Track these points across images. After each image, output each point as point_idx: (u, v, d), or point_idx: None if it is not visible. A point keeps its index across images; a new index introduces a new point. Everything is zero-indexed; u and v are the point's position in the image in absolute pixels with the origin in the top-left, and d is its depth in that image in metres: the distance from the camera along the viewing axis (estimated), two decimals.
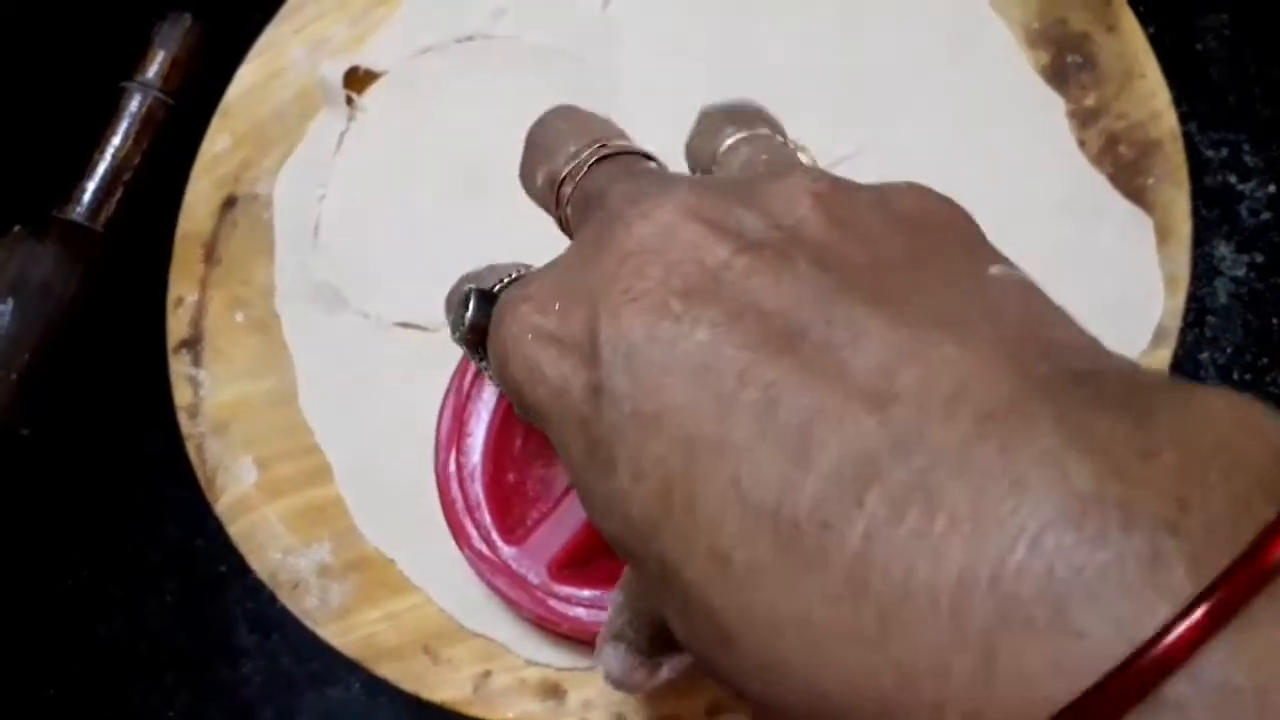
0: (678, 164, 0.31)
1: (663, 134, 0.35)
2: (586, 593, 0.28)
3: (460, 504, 0.30)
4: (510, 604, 0.29)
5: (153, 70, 0.41)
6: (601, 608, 0.27)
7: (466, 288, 0.23)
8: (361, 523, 0.32)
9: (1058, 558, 0.14)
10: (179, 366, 0.36)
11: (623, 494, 0.17)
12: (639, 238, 0.18)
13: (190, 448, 0.35)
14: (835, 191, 0.19)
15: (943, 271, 0.18)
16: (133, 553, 0.37)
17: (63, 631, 0.36)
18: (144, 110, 0.41)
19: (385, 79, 0.38)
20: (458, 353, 0.33)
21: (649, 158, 0.23)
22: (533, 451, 0.30)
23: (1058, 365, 0.16)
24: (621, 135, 0.24)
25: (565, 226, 0.24)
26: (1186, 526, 0.14)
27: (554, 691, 0.30)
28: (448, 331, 0.32)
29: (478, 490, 0.29)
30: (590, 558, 0.29)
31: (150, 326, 0.37)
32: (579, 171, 0.23)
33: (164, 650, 0.36)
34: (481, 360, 0.23)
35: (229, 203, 0.38)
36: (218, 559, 0.36)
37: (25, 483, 0.37)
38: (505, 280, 0.23)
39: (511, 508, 0.30)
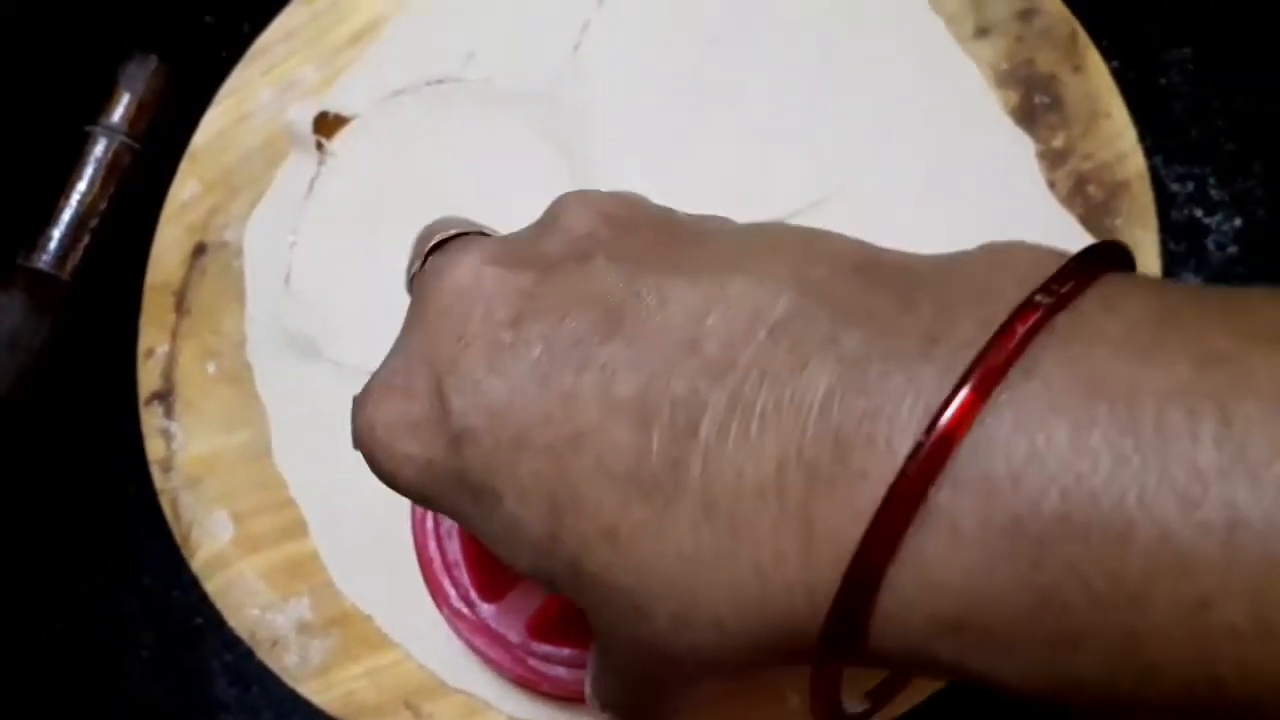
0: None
1: (632, 173, 0.36)
2: (566, 651, 0.28)
3: (438, 562, 0.29)
4: (490, 663, 0.29)
5: (118, 114, 0.41)
6: (581, 665, 0.27)
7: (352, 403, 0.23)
8: (339, 578, 0.32)
9: (840, 417, 0.16)
10: (151, 419, 0.36)
11: (516, 520, 0.19)
12: (447, 294, 0.20)
13: (165, 503, 0.34)
14: (613, 201, 0.21)
15: (719, 234, 0.20)
16: (109, 605, 0.36)
17: (39, 684, 0.36)
18: (110, 155, 0.40)
19: (355, 123, 0.38)
20: None
21: (482, 234, 0.24)
22: None
23: (836, 266, 0.18)
24: (473, 226, 0.25)
25: None
26: (936, 354, 0.16)
27: None
28: None
29: (455, 548, 0.29)
30: (569, 615, 0.29)
31: (120, 376, 0.37)
32: (416, 264, 0.24)
33: (141, 704, 0.36)
34: None
35: (198, 250, 0.38)
36: (195, 611, 0.35)
37: None
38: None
39: (489, 565, 0.29)
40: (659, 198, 0.35)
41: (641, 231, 0.20)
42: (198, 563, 0.34)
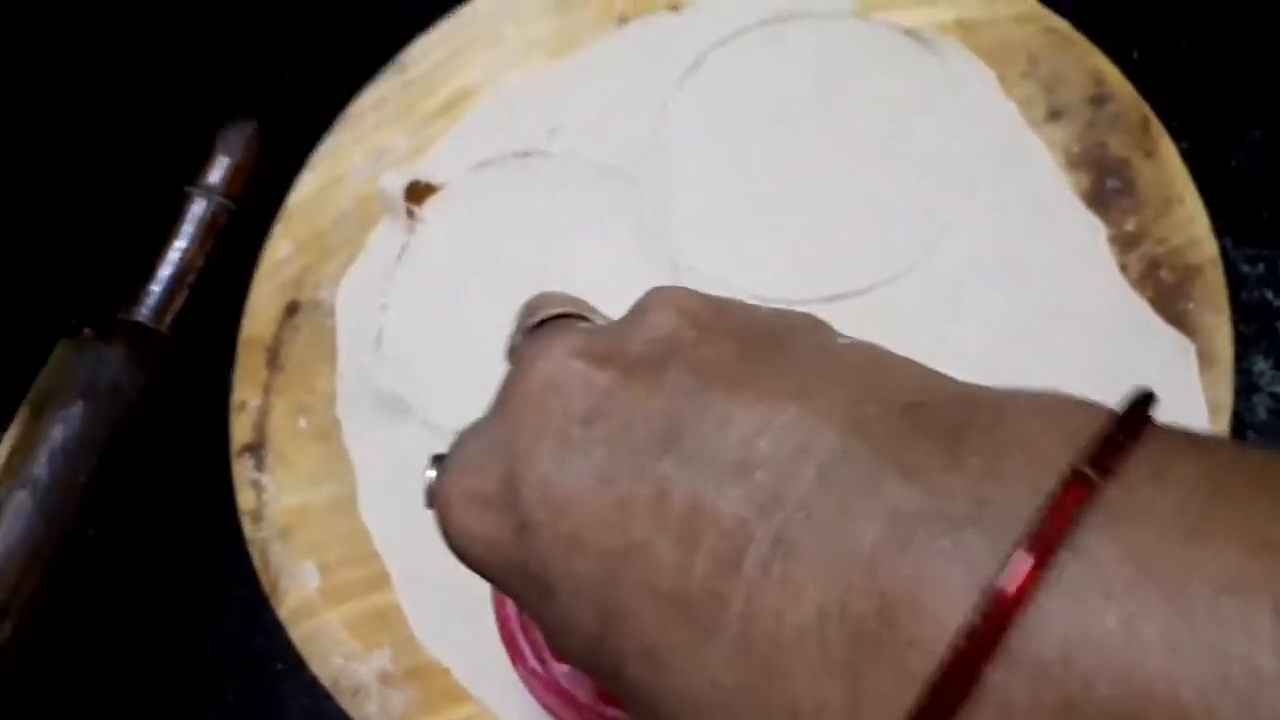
0: (723, 283, 0.32)
1: (710, 250, 0.37)
2: None
3: (515, 621, 0.30)
4: None
5: (216, 175, 0.43)
6: None
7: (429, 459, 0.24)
8: (420, 631, 0.33)
9: (886, 575, 0.16)
10: (242, 470, 0.37)
11: (567, 615, 0.19)
12: (534, 381, 0.21)
13: (254, 552, 0.36)
14: (701, 303, 0.21)
15: (795, 351, 0.20)
16: (193, 649, 0.38)
17: None
18: (207, 215, 0.42)
19: (444, 191, 0.39)
20: None
21: (582, 318, 0.25)
22: None
23: (887, 405, 0.18)
24: (575, 305, 0.25)
25: None
26: (985, 521, 0.15)
27: None
28: None
29: None
30: None
31: (212, 427, 0.39)
32: (515, 342, 0.25)
33: None
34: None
35: (291, 309, 0.39)
36: (276, 656, 0.36)
37: (91, 583, 0.38)
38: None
39: None
40: (737, 274, 0.36)
41: (721, 340, 0.20)
42: (285, 610, 0.35)
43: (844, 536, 0.16)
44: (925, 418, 0.17)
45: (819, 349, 0.20)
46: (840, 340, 0.21)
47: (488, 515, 0.21)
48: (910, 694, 0.15)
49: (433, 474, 0.24)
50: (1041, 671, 0.15)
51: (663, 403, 0.19)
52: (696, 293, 0.22)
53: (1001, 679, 0.15)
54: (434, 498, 0.22)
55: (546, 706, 0.30)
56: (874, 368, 0.19)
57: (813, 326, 0.21)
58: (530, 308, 0.26)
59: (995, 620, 0.15)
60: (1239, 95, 0.38)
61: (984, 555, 0.15)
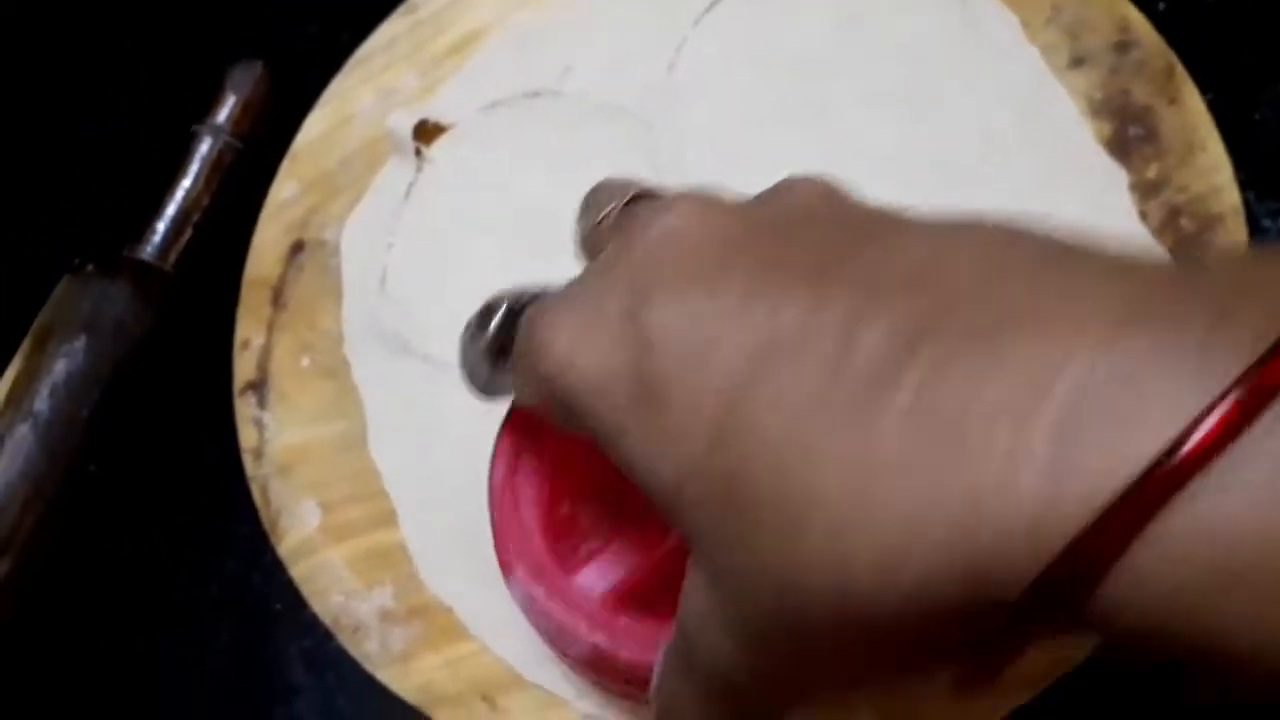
0: None
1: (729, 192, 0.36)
2: (641, 628, 0.27)
3: (515, 532, 0.29)
4: (563, 635, 0.28)
5: (224, 115, 0.42)
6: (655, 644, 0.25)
7: (492, 301, 0.26)
8: (423, 569, 0.33)
9: (1117, 356, 0.15)
10: (245, 409, 0.37)
11: (681, 431, 0.19)
12: (664, 230, 0.21)
13: (255, 489, 0.35)
14: (842, 188, 0.22)
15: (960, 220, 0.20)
16: (192, 587, 0.37)
17: (119, 661, 0.37)
18: (214, 154, 0.42)
19: (453, 132, 0.39)
20: None
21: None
22: (592, 485, 0.30)
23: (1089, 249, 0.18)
24: (651, 185, 0.26)
25: None
26: (1228, 328, 0.15)
27: None
28: None
29: (531, 519, 0.29)
30: (645, 598, 0.28)
31: (216, 366, 0.38)
32: (614, 212, 0.25)
33: (219, 684, 0.37)
34: (493, 381, 0.25)
35: (296, 248, 0.39)
36: (275, 597, 0.36)
37: (93, 517, 0.38)
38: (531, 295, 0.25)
39: (564, 539, 0.29)
40: None
41: (864, 207, 0.21)
42: (284, 548, 0.35)
43: (1055, 332, 0.16)
44: (1142, 263, 0.17)
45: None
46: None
47: (599, 338, 0.20)
48: (1117, 480, 0.14)
49: (495, 323, 0.25)
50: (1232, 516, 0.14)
51: (811, 245, 0.20)
52: (833, 181, 0.22)
53: (1229, 472, 0.14)
54: (535, 326, 0.22)
55: (547, 616, 0.28)
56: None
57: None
58: (603, 189, 0.26)
59: (1227, 420, 0.14)
60: (1264, 49, 0.37)
61: (1227, 356, 0.14)
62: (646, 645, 0.26)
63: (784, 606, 0.18)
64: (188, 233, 0.41)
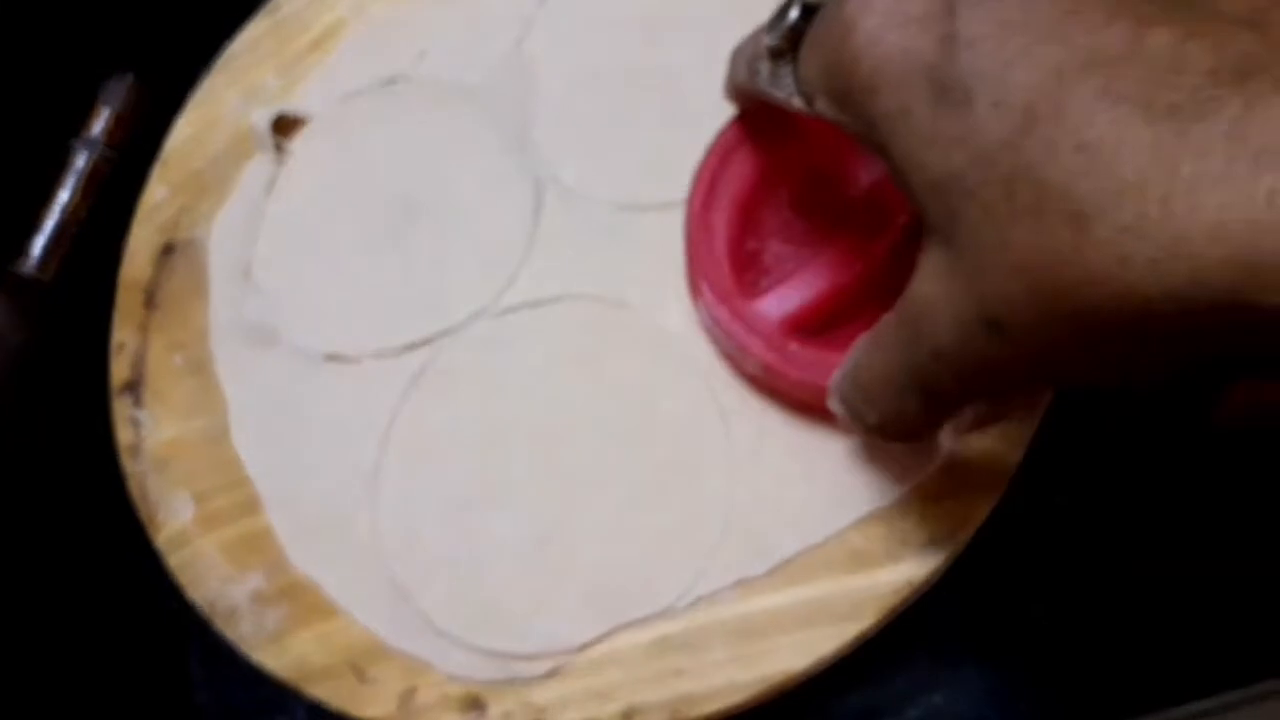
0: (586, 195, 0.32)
1: (573, 163, 0.37)
2: (815, 351, 0.30)
3: (706, 258, 0.31)
4: (742, 351, 0.31)
5: (98, 128, 0.43)
6: (828, 367, 0.28)
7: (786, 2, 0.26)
8: (290, 550, 0.34)
9: None
10: (121, 409, 0.37)
11: (979, 124, 0.20)
12: None
13: (132, 486, 0.36)
14: None
15: None
16: (82, 590, 0.38)
17: (16, 661, 0.37)
18: (90, 167, 0.43)
19: (311, 124, 0.39)
20: (386, 383, 0.35)
21: None
22: (777, 226, 0.32)
23: None
24: None
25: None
26: None
27: (475, 704, 0.31)
28: (372, 361, 0.34)
29: (721, 248, 0.31)
30: (822, 325, 0.31)
31: (97, 371, 0.39)
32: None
33: (118, 680, 0.37)
34: (778, 78, 0.26)
35: (168, 249, 0.39)
36: (168, 593, 0.37)
37: None
38: None
39: (747, 271, 0.32)
40: (599, 178, 0.36)
41: None
42: (161, 540, 0.35)
43: None
44: None
45: None
46: None
47: (910, 26, 0.21)
48: None
49: (794, 14, 0.25)
50: None
51: None
52: None
53: None
54: (841, 12, 0.23)
55: (729, 334, 0.31)
56: None
57: None
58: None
59: None
60: None
61: None
62: (811, 367, 0.30)
63: (1040, 294, 0.19)
64: (65, 245, 0.42)
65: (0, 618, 0.38)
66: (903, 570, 0.30)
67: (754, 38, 0.29)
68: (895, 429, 0.26)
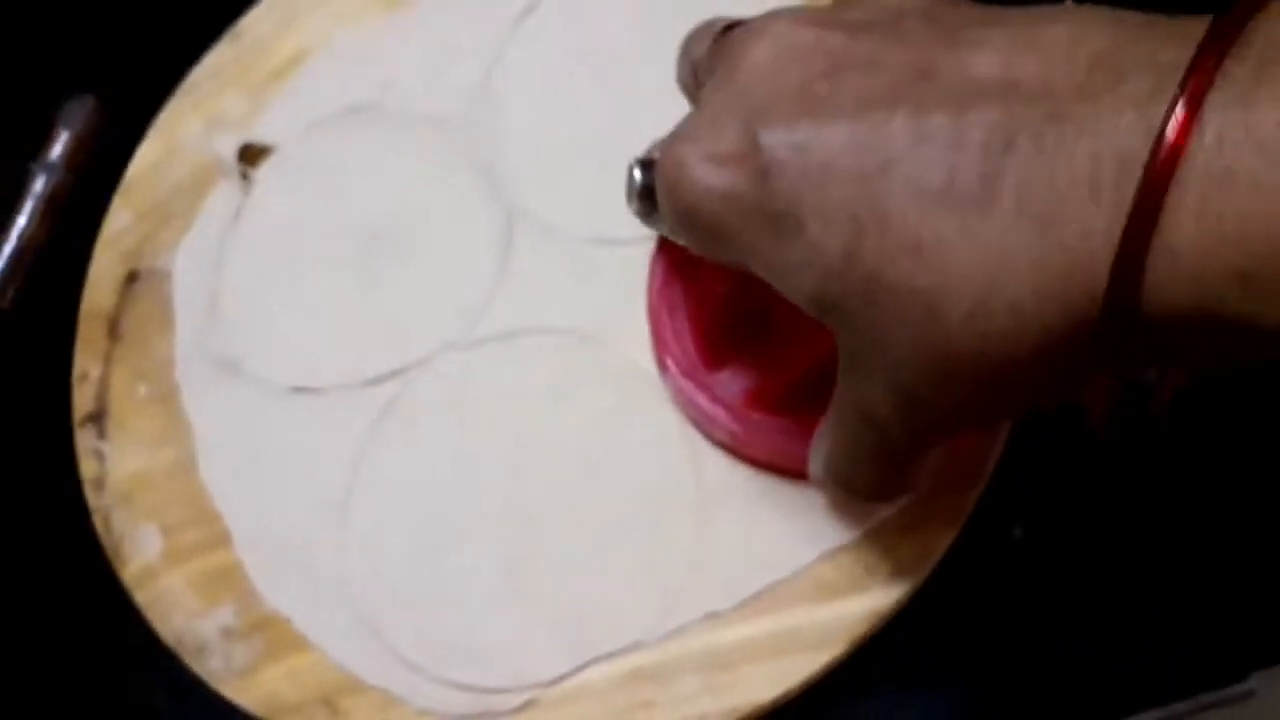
0: (555, 226, 0.33)
1: (543, 194, 0.37)
2: (780, 421, 0.31)
3: (668, 336, 0.32)
4: (709, 423, 0.32)
5: (57, 151, 0.42)
6: (796, 435, 0.30)
7: (630, 163, 0.28)
8: (260, 584, 0.33)
9: (1156, 111, 0.18)
10: (85, 441, 0.37)
11: (814, 245, 0.21)
12: (763, 52, 0.23)
13: (97, 520, 0.36)
14: None
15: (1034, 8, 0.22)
16: (44, 624, 0.38)
17: None
18: (49, 190, 0.42)
19: (277, 152, 0.39)
20: (354, 415, 0.35)
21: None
22: (731, 306, 0.33)
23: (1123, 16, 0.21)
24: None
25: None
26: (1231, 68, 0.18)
27: None
28: (341, 393, 0.34)
29: (682, 325, 0.32)
30: (776, 402, 0.32)
31: (56, 401, 0.38)
32: (709, 45, 0.27)
33: (84, 716, 0.37)
34: (659, 222, 0.27)
35: (131, 278, 0.39)
36: (132, 626, 0.36)
37: None
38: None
39: (712, 340, 0.32)
40: (570, 211, 0.36)
41: (956, 5, 0.23)
42: (127, 575, 0.35)
43: (1117, 94, 0.19)
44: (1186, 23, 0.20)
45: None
46: None
47: (724, 169, 0.23)
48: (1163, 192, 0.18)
49: (639, 175, 0.27)
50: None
51: (910, 45, 0.22)
52: None
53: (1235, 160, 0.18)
54: (664, 168, 0.24)
55: (696, 408, 0.32)
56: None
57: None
58: (695, 35, 0.28)
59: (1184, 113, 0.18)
60: None
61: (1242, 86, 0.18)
62: (775, 437, 0.31)
63: (930, 369, 0.21)
64: (23, 270, 0.41)
65: None
66: (869, 600, 0.30)
67: (626, 193, 0.30)
68: (877, 493, 0.28)
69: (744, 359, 0.32)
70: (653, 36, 0.38)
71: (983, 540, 0.32)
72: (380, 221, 0.38)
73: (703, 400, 0.32)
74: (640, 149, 0.37)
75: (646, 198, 0.27)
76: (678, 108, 0.37)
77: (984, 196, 0.20)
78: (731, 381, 0.32)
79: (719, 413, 0.31)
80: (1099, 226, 0.19)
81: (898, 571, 0.31)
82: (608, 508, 0.33)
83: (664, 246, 0.33)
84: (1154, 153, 0.18)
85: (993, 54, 0.21)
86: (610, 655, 0.31)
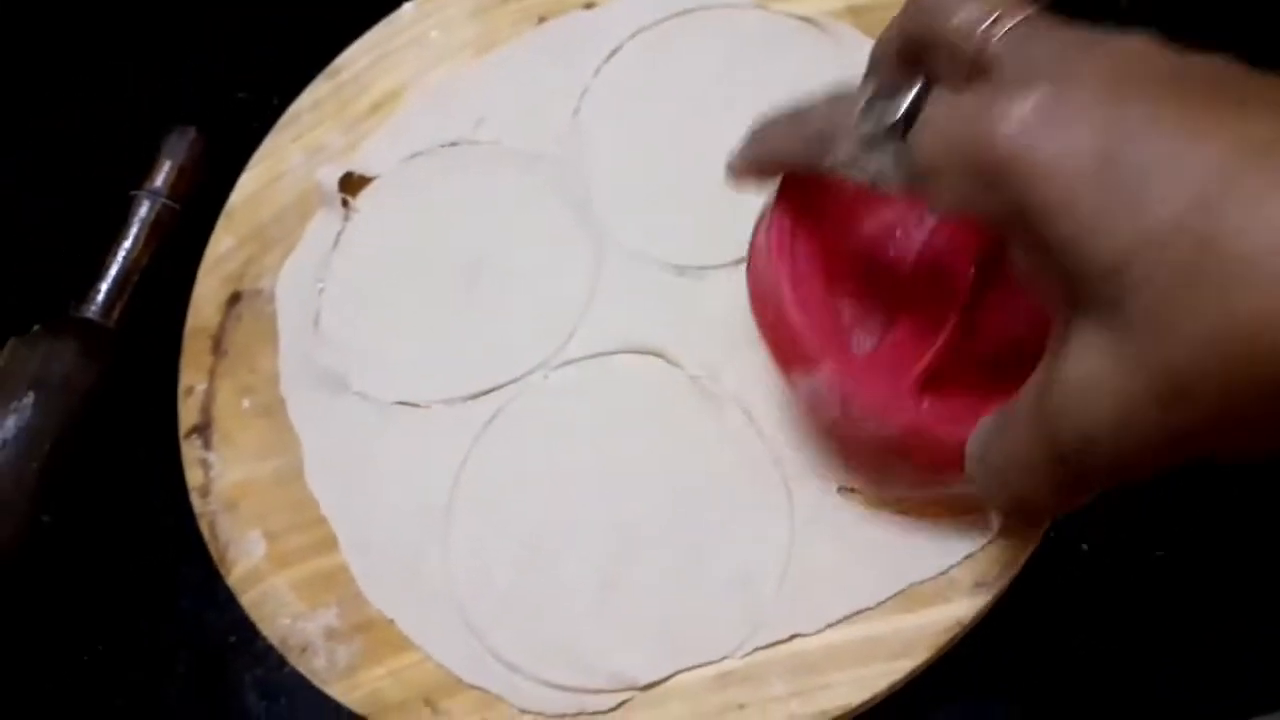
0: (642, 254, 0.34)
1: (630, 224, 0.39)
2: (944, 407, 0.30)
3: (811, 330, 0.31)
4: (879, 414, 0.30)
5: (160, 179, 0.45)
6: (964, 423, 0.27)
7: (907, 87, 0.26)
8: (365, 587, 0.35)
9: None
10: (190, 451, 0.39)
11: (1149, 210, 0.21)
12: (1124, 47, 0.23)
13: (203, 525, 0.37)
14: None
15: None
16: (148, 626, 0.39)
17: (82, 701, 0.38)
18: (153, 216, 0.44)
19: (377, 182, 0.42)
20: (454, 428, 0.37)
21: None
22: (849, 289, 0.32)
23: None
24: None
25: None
26: None
27: None
28: (443, 408, 0.36)
29: (827, 319, 0.31)
30: (929, 381, 0.30)
31: (161, 414, 0.40)
32: (985, 22, 0.25)
33: (178, 717, 0.38)
34: (869, 156, 0.26)
35: (234, 299, 0.41)
36: (228, 630, 0.38)
37: (47, 566, 0.40)
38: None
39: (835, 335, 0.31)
40: (654, 244, 0.38)
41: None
42: (233, 578, 0.36)
43: None
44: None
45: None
46: None
47: (1071, 123, 0.22)
48: None
49: (905, 102, 0.26)
50: None
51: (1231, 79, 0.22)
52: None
53: None
54: (996, 101, 0.23)
55: (859, 397, 0.30)
56: None
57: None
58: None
59: None
60: None
61: None
62: (954, 421, 0.29)
63: (1234, 360, 0.20)
64: (129, 291, 0.43)
65: (69, 651, 0.39)
66: (952, 610, 0.32)
67: (800, 118, 0.30)
68: (1021, 508, 0.27)
69: (882, 350, 0.31)
70: (727, 76, 0.41)
71: (1052, 554, 0.33)
72: (477, 248, 0.40)
73: (867, 394, 0.30)
74: (719, 184, 0.40)
75: (899, 127, 0.26)
76: None
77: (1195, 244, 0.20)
78: (883, 375, 0.31)
79: (901, 399, 0.30)
80: None
81: (980, 583, 0.32)
82: (700, 526, 0.34)
83: (779, 245, 0.32)
84: None
85: None
86: (699, 666, 0.33)
